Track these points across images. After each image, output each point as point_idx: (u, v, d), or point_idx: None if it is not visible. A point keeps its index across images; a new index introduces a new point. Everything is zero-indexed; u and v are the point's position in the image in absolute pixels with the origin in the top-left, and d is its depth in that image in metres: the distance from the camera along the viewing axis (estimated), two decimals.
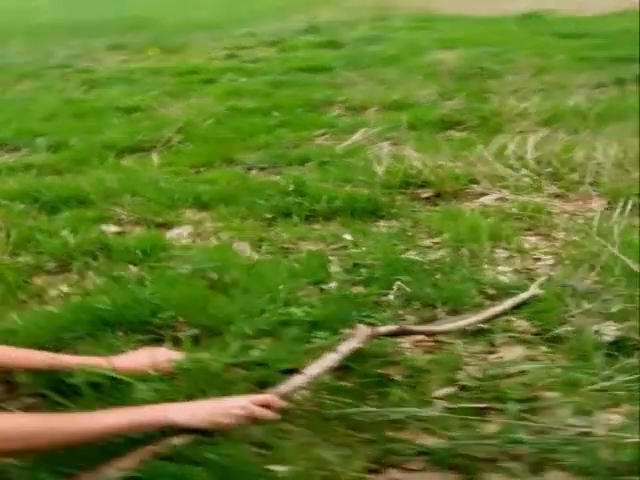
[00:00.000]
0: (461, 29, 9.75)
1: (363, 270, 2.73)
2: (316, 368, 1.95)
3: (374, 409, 1.89)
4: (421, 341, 2.29)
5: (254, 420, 1.74)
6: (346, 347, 2.05)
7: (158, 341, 2.27)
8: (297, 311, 2.35)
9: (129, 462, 1.63)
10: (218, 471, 1.62)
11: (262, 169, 4.30)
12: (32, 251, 2.94)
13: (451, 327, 2.31)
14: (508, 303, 2.44)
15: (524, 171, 3.71)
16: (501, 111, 5.00)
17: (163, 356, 2.06)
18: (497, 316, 2.37)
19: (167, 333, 2.29)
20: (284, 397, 1.84)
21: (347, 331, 2.22)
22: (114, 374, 1.94)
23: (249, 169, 4.28)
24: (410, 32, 9.91)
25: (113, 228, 3.29)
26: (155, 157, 4.43)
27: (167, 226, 3.36)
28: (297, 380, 1.90)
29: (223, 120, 5.39)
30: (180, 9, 14.75)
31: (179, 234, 3.26)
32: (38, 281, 2.78)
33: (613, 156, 3.72)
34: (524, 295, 2.49)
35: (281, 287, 2.55)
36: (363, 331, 2.12)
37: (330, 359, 1.99)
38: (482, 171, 3.78)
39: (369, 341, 2.11)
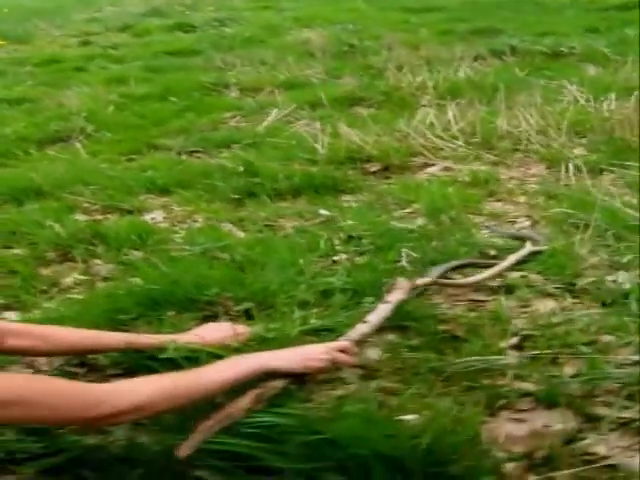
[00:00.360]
0: (309, 8, 9.92)
1: (364, 241, 2.84)
2: (375, 317, 2.10)
3: (462, 360, 2.03)
4: (457, 300, 2.45)
5: (335, 364, 1.89)
6: (393, 298, 2.21)
7: (210, 317, 2.30)
8: (335, 280, 2.45)
9: (246, 402, 1.72)
10: (359, 423, 1.71)
11: (191, 153, 4.30)
12: (24, 243, 2.86)
13: (475, 279, 2.51)
14: (513, 257, 2.64)
15: (459, 142, 3.93)
16: (400, 86, 5.20)
17: (228, 330, 2.12)
18: (509, 269, 2.58)
19: (217, 309, 2.33)
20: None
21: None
22: (208, 348, 1.97)
23: (178, 154, 4.26)
24: (257, 12, 9.99)
25: (83, 217, 3.24)
26: (79, 147, 4.31)
27: (137, 212, 3.34)
28: (362, 328, 2.05)
29: (122, 107, 5.30)
30: None
31: (154, 219, 3.25)
32: (45, 271, 2.73)
33: (535, 124, 4.02)
34: (524, 251, 2.71)
35: (301, 261, 2.62)
36: (404, 284, 2.29)
37: (383, 309, 2.15)
38: (416, 144, 3.97)
39: (411, 292, 2.28)
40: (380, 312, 2.13)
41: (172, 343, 1.98)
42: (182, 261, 2.61)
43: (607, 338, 2.14)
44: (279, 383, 1.79)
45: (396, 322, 2.24)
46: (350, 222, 3.05)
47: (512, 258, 2.64)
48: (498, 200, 3.36)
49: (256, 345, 2.07)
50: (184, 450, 1.62)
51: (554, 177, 3.54)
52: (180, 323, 2.23)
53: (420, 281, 2.37)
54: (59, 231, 2.92)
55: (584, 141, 4.01)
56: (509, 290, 2.47)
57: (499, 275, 2.53)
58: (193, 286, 2.35)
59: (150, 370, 1.96)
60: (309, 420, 1.68)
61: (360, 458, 1.56)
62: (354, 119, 4.58)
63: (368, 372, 2.04)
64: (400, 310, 2.24)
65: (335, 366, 1.90)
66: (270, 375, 1.78)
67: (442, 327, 2.24)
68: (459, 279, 2.55)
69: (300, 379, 1.85)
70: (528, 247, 2.75)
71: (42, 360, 2.17)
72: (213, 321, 2.26)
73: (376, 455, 1.56)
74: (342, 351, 1.90)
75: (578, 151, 3.89)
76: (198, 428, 1.65)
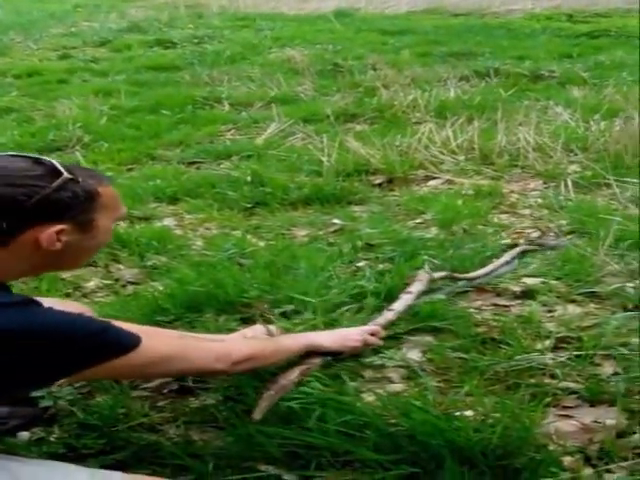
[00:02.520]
0: (287, 28, 10.02)
1: (386, 249, 2.90)
2: (399, 305, 2.32)
3: (507, 360, 2.09)
4: (483, 305, 2.52)
5: (366, 345, 2.10)
6: (415, 288, 2.42)
7: (247, 319, 2.33)
8: (367, 284, 2.50)
9: (295, 376, 1.90)
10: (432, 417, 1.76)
11: (191, 164, 4.33)
12: None
13: (484, 272, 2.67)
14: (509, 254, 2.82)
15: (460, 157, 4.02)
16: (392, 104, 5.29)
17: (263, 332, 2.17)
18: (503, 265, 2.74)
19: (253, 312, 2.36)
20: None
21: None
22: None
23: (179, 164, 4.29)
24: (235, 31, 10.05)
25: None
26: (79, 156, 4.31)
27: (148, 219, 3.35)
28: (388, 315, 2.26)
29: (114, 119, 5.31)
30: None
31: (166, 226, 3.27)
32: (67, 275, 2.73)
33: (533, 141, 4.13)
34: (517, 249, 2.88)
35: (330, 267, 2.67)
36: (424, 276, 2.50)
37: (406, 298, 2.36)
38: (418, 157, 4.05)
39: (429, 284, 2.48)
40: (403, 301, 2.34)
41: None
42: (212, 266, 2.63)
43: (637, 340, 2.20)
44: (318, 360, 1.99)
45: (430, 324, 2.28)
46: (367, 230, 3.08)
47: (506, 256, 2.82)
48: (503, 212, 3.43)
49: None
50: (257, 414, 1.78)
51: (554, 191, 3.62)
52: (222, 325, 2.24)
53: (437, 275, 2.55)
54: None
55: (577, 158, 4.10)
56: (531, 295, 2.53)
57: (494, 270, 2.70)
58: (233, 289, 2.37)
59: None
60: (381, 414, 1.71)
61: (433, 450, 1.60)
62: (351, 134, 4.61)
63: (410, 372, 2.07)
64: (432, 312, 2.32)
65: (365, 346, 2.09)
66: (311, 352, 1.98)
67: (476, 330, 2.28)
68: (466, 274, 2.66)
69: (336, 357, 2.04)
70: (520, 247, 2.90)
71: None
72: (251, 323, 2.29)
73: (448, 447, 1.60)
74: (372, 334, 2.12)
75: (573, 167, 3.98)
76: (262, 397, 1.82)
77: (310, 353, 1.99)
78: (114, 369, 1.52)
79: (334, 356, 2.04)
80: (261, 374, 1.91)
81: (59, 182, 1.45)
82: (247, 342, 1.96)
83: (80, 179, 1.48)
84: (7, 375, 1.39)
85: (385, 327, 2.19)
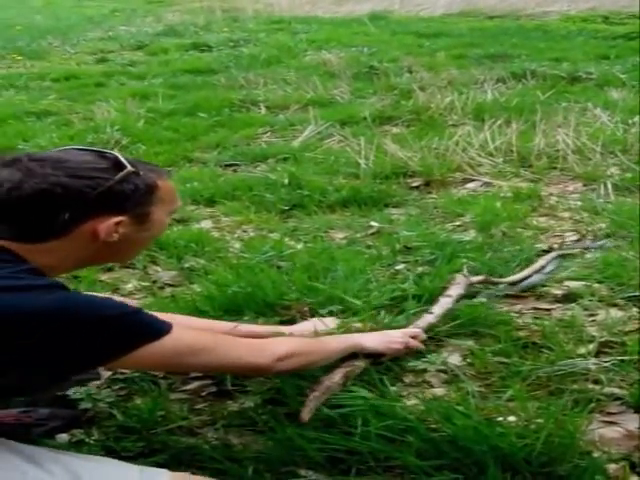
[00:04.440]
0: (322, 31, 10.03)
1: (425, 252, 2.88)
2: (438, 309, 2.30)
3: (550, 365, 2.06)
4: (523, 309, 2.49)
5: (408, 349, 2.08)
6: (454, 292, 2.40)
7: (286, 322, 2.32)
8: (407, 287, 2.48)
9: (339, 378, 1.90)
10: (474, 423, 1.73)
11: (228, 166, 4.34)
12: None
13: (522, 276, 2.64)
14: (547, 258, 2.78)
15: (499, 159, 3.99)
16: (428, 106, 5.27)
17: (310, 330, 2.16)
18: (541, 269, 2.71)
19: (293, 314, 2.35)
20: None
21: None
22: None
23: (216, 167, 4.30)
24: (271, 34, 10.07)
25: None
26: None
27: (185, 222, 3.36)
28: (428, 318, 2.24)
29: (151, 122, 5.34)
30: (19, 15, 14.12)
31: (203, 229, 3.27)
32: (105, 277, 2.74)
33: (572, 143, 4.08)
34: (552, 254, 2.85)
35: (368, 270, 2.65)
36: (463, 280, 2.48)
37: (445, 302, 2.34)
38: (456, 160, 4.02)
39: (468, 288, 2.46)
40: (443, 304, 2.32)
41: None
42: (250, 268, 2.62)
43: None
44: (362, 362, 1.97)
45: (471, 329, 2.26)
46: (405, 233, 3.06)
47: (544, 260, 2.78)
48: (542, 215, 3.39)
49: None
50: (305, 415, 1.76)
51: (593, 194, 3.57)
52: None
53: (475, 279, 2.53)
54: None
55: (617, 160, 4.04)
56: (572, 299, 2.50)
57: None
58: (272, 292, 2.36)
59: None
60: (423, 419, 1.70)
61: (475, 456, 1.58)
62: (388, 137, 4.60)
63: (451, 377, 2.05)
64: (473, 316, 2.30)
65: (407, 349, 2.08)
66: (354, 354, 1.97)
67: (517, 334, 2.25)
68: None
69: (379, 357, 2.02)
70: (558, 251, 2.90)
71: None
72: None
73: (491, 453, 1.57)
74: (413, 337, 2.10)
75: (613, 169, 3.93)
76: (309, 397, 1.80)
77: (353, 355, 1.97)
78: (144, 357, 1.49)
79: (376, 358, 2.02)
80: (301, 377, 1.90)
81: (122, 175, 1.49)
82: (289, 339, 1.94)
83: (141, 172, 1.52)
84: (41, 360, 1.39)
85: (426, 330, 2.18)
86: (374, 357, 2.01)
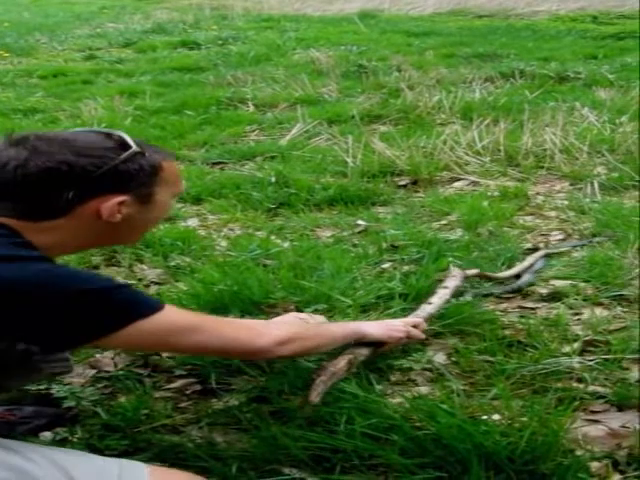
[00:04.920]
0: (311, 29, 10.02)
1: (411, 250, 2.88)
2: (437, 300, 2.32)
3: (533, 363, 2.06)
4: (509, 307, 2.49)
5: (409, 337, 2.08)
6: (451, 284, 2.42)
7: None
8: (394, 286, 2.48)
9: (343, 364, 1.89)
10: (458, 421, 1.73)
11: (215, 164, 4.33)
12: None
13: (512, 273, 2.70)
14: (535, 257, 2.82)
15: (487, 158, 3.99)
16: (417, 105, 5.27)
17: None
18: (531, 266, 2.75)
19: (279, 312, 2.34)
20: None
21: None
22: None
23: (203, 165, 4.28)
24: (260, 32, 10.06)
25: None
26: None
27: (172, 220, 3.34)
28: (428, 308, 2.26)
29: (139, 119, 5.33)
30: (7, 11, 14.07)
31: (189, 227, 3.26)
32: None
33: (559, 142, 4.09)
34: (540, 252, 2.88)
35: (355, 268, 2.65)
36: (458, 272, 2.52)
37: (444, 292, 2.36)
38: (443, 159, 4.03)
39: (463, 280, 2.50)
40: (441, 295, 2.34)
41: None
42: (236, 266, 2.62)
43: None
44: (365, 350, 1.97)
45: (456, 327, 2.26)
46: (392, 232, 3.06)
47: (532, 258, 2.83)
48: (529, 214, 3.40)
49: None
50: (314, 397, 1.75)
51: (580, 193, 3.58)
52: None
53: (469, 272, 2.57)
54: None
55: (604, 160, 4.06)
56: (558, 298, 2.50)
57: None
58: (258, 290, 2.36)
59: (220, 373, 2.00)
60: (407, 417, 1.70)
61: (459, 454, 1.58)
62: (376, 135, 4.60)
63: (436, 375, 2.05)
64: (458, 315, 2.31)
65: (408, 338, 2.08)
66: (356, 342, 1.96)
67: (503, 333, 2.25)
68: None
69: (380, 348, 2.02)
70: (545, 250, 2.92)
71: (106, 361, 2.17)
72: None
73: (475, 452, 1.58)
74: (414, 327, 2.09)
75: (600, 169, 3.94)
76: (316, 382, 1.79)
77: (356, 343, 1.97)
78: (133, 335, 1.45)
79: (378, 347, 2.01)
80: (287, 375, 1.90)
81: (127, 154, 1.50)
82: (289, 323, 1.95)
83: (147, 153, 1.54)
84: (21, 332, 1.38)
85: (426, 320, 2.18)
86: (375, 345, 2.00)
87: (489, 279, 2.62)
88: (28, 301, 1.34)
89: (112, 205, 1.50)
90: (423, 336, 2.12)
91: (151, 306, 1.48)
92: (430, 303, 2.27)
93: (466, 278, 2.52)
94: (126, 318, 1.43)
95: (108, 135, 1.54)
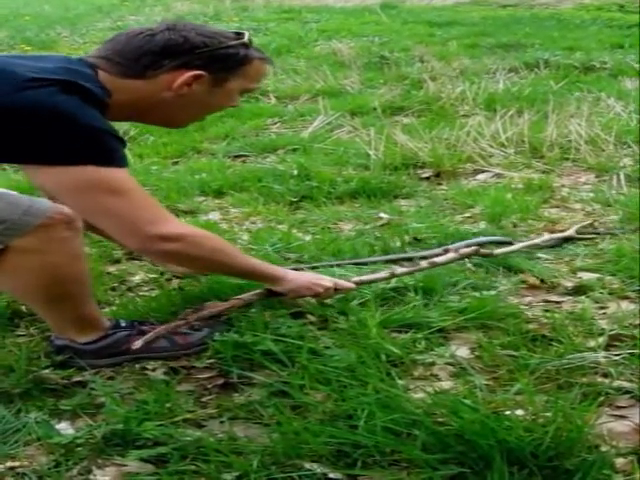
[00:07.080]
0: (333, 21, 9.99)
1: (434, 243, 2.86)
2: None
3: (558, 358, 2.03)
4: (533, 300, 2.46)
5: (336, 290, 2.14)
6: (464, 250, 2.60)
7: (294, 313, 2.30)
8: (410, 279, 2.46)
9: (225, 306, 2.08)
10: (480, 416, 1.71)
11: (236, 157, 4.32)
12: (93, 243, 2.85)
13: (529, 244, 2.80)
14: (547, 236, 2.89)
15: (511, 150, 3.96)
16: (439, 96, 5.23)
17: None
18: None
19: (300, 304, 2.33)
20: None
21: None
22: None
23: (225, 158, 4.28)
24: (281, 23, 10.03)
25: None
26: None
27: (193, 213, 3.35)
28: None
29: None
30: (28, 4, 14.13)
31: (211, 220, 3.26)
32: (112, 269, 2.73)
33: (585, 134, 4.04)
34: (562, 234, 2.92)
35: None
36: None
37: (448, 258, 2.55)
38: (467, 151, 4.00)
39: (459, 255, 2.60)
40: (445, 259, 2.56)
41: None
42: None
43: None
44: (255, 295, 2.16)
45: (479, 322, 2.24)
46: (415, 225, 3.04)
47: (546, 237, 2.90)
48: (554, 207, 3.36)
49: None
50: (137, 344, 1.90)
51: (605, 186, 3.54)
52: (269, 317, 2.23)
53: (463, 250, 2.63)
54: None
55: (630, 151, 4.01)
56: (583, 292, 2.47)
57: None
58: None
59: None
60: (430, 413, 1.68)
61: (481, 450, 1.56)
62: (398, 127, 4.57)
63: (458, 370, 2.03)
64: (481, 309, 2.29)
65: (336, 291, 2.15)
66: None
67: (527, 327, 2.23)
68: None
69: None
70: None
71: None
72: (300, 317, 2.27)
73: (498, 447, 1.56)
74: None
75: (626, 160, 3.90)
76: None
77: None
78: (70, 174, 1.58)
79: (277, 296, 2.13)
80: (308, 369, 1.88)
81: (235, 42, 1.71)
82: (202, 230, 2.06)
83: (251, 48, 1.74)
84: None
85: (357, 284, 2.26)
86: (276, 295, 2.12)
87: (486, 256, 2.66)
88: (31, 123, 1.54)
89: (187, 77, 1.66)
90: (352, 285, 2.18)
91: (116, 162, 1.63)
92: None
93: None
94: (85, 158, 1.58)
95: (236, 32, 1.76)
